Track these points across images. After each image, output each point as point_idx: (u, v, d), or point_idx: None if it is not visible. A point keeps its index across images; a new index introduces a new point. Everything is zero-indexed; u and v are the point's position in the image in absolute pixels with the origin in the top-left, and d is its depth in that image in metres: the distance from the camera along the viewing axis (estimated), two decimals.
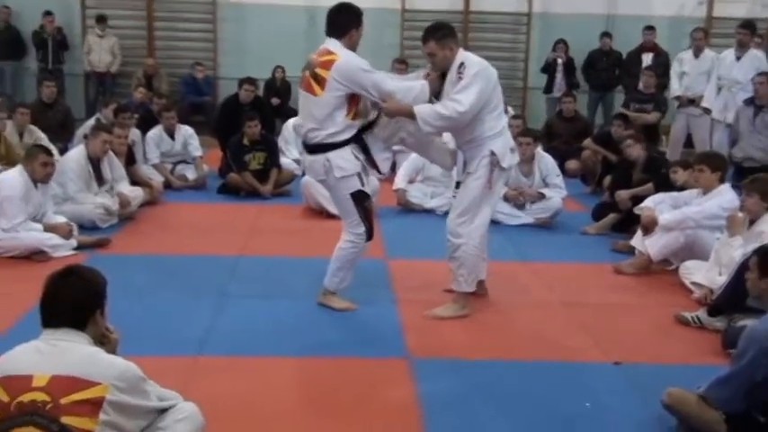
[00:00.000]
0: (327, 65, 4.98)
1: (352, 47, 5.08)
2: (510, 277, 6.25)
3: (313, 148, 5.15)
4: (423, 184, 8.74)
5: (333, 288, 5.41)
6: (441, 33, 5.09)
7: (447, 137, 5.66)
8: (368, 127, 5.22)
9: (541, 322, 5.32)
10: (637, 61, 12.51)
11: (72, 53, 13.85)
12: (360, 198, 5.16)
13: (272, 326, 5.09)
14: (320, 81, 4.99)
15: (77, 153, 7.66)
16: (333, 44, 5.06)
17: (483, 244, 5.32)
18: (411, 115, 5.01)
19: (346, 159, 5.09)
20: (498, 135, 5.16)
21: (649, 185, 7.36)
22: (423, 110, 4.99)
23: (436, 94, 5.14)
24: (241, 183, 9.05)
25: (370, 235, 5.27)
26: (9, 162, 8.10)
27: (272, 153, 9.34)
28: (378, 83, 5.02)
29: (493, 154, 5.11)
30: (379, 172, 5.43)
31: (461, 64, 5.05)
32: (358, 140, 5.15)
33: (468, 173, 5.20)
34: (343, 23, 5.08)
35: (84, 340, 2.87)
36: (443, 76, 5.12)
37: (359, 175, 5.13)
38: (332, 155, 5.06)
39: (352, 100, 5.06)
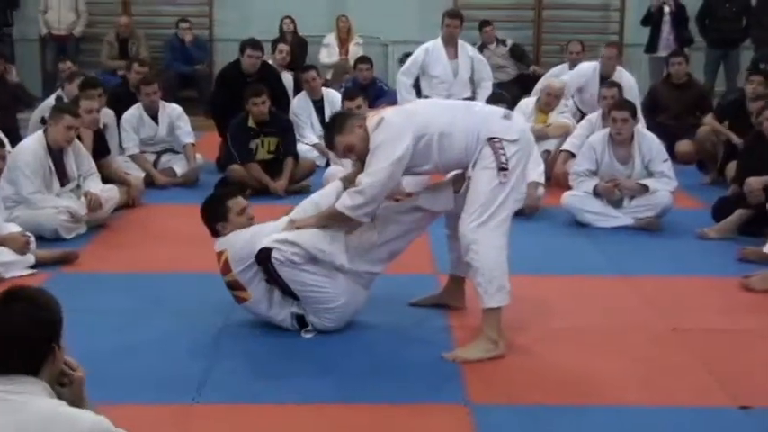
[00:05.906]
0: None
1: None
2: (602, 296, 6.32)
3: None
4: None
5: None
6: (337, 124, 5.46)
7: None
8: None
9: (643, 355, 5.33)
10: None
11: (23, 12, 14.10)
12: None
13: (287, 362, 5.17)
14: None
15: (34, 143, 7.72)
16: None
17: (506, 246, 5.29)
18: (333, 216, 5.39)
19: None
20: (475, 126, 5.25)
21: None
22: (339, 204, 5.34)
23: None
24: (246, 177, 9.09)
25: None
26: None
27: (287, 138, 9.40)
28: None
29: (491, 139, 5.17)
30: None
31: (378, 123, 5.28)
32: None
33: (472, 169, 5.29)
34: None
35: (41, 389, 2.86)
36: None
37: None
38: None
39: None
